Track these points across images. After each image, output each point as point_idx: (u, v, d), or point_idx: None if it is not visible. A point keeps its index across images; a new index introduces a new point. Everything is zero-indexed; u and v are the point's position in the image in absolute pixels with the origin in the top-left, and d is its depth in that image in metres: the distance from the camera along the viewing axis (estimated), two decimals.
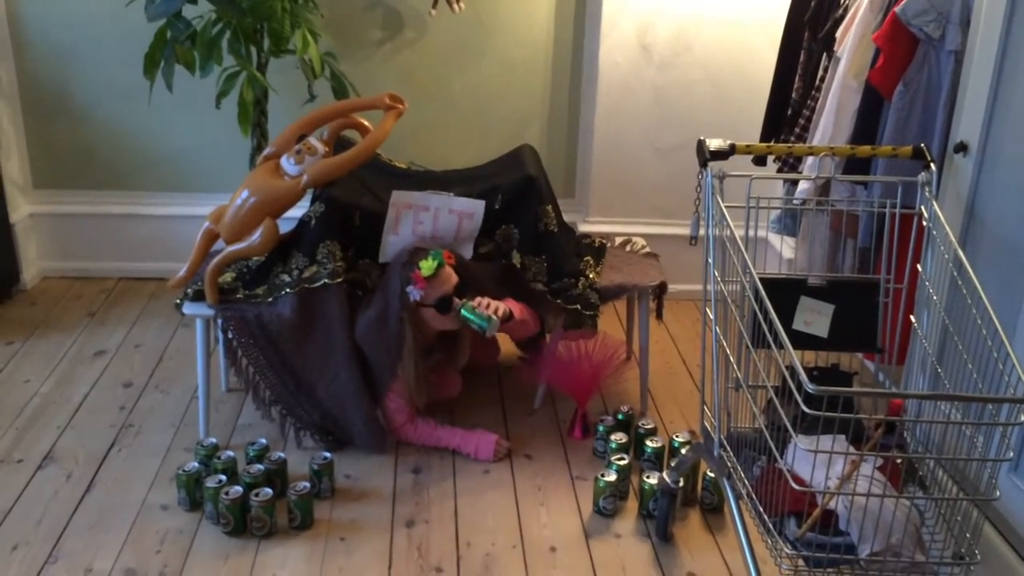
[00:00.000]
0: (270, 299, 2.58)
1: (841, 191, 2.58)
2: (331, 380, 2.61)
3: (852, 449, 1.82)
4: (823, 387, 1.42)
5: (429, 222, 2.64)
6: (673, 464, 2.35)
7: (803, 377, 1.45)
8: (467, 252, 2.69)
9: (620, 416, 2.77)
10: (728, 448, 1.92)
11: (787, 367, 1.62)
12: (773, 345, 1.68)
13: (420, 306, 2.54)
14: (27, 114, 3.65)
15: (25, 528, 2.32)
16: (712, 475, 2.45)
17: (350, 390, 2.59)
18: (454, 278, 2.55)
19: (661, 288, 2.85)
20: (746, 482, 1.81)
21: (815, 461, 1.73)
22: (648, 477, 2.45)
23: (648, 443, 2.61)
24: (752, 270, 1.77)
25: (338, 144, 2.76)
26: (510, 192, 2.69)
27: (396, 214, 2.64)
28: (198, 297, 2.59)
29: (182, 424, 2.79)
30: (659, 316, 2.93)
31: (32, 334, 3.32)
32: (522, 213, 2.69)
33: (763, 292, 1.71)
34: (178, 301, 2.64)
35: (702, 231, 2.00)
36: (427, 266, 2.48)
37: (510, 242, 2.71)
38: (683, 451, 2.55)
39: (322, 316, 2.56)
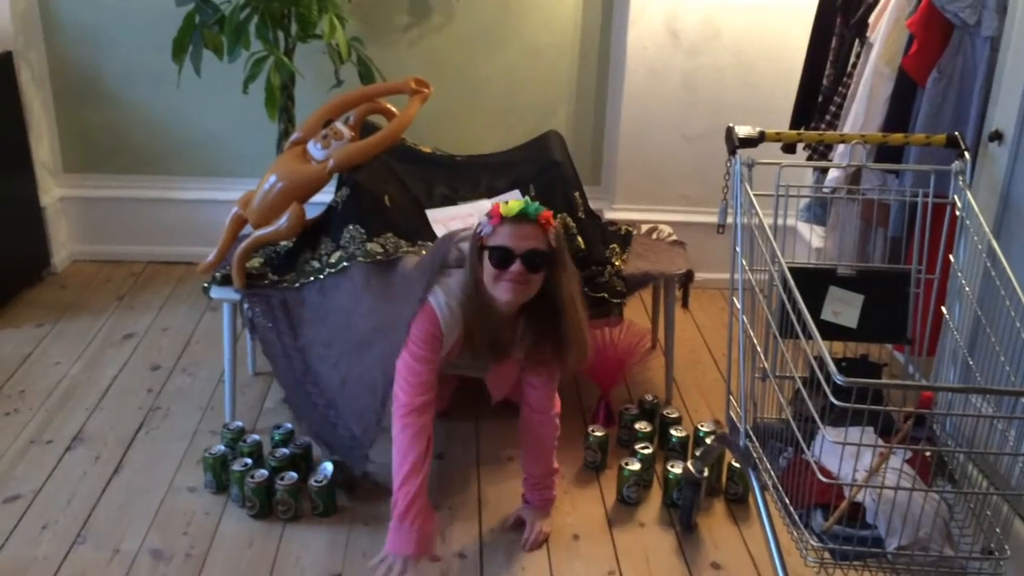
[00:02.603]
0: (297, 284, 2.58)
1: (872, 179, 2.55)
2: (334, 364, 2.47)
3: (881, 441, 1.79)
4: (852, 379, 1.40)
5: None
6: (698, 454, 2.34)
7: (832, 368, 1.43)
8: None
9: (645, 405, 2.76)
10: (754, 439, 1.90)
11: (815, 358, 1.60)
12: (801, 335, 1.66)
13: (480, 247, 2.05)
14: (58, 98, 3.68)
15: (54, 508, 2.35)
16: (737, 465, 2.43)
17: (356, 376, 2.40)
18: (538, 246, 2.02)
19: (687, 276, 2.83)
20: (772, 473, 1.79)
21: (843, 453, 1.71)
22: (673, 466, 2.44)
23: (673, 432, 2.60)
24: (781, 259, 1.75)
25: (364, 129, 2.76)
26: (540, 180, 2.67)
27: (445, 227, 2.59)
28: (226, 281, 2.60)
29: (209, 407, 2.81)
30: (685, 304, 2.90)
31: (62, 317, 3.36)
32: (552, 200, 2.67)
33: (791, 281, 1.69)
34: (206, 285, 2.65)
35: (730, 219, 1.98)
36: (514, 205, 2.03)
37: (568, 229, 2.64)
38: (708, 441, 2.54)
39: (339, 300, 2.55)
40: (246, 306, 2.57)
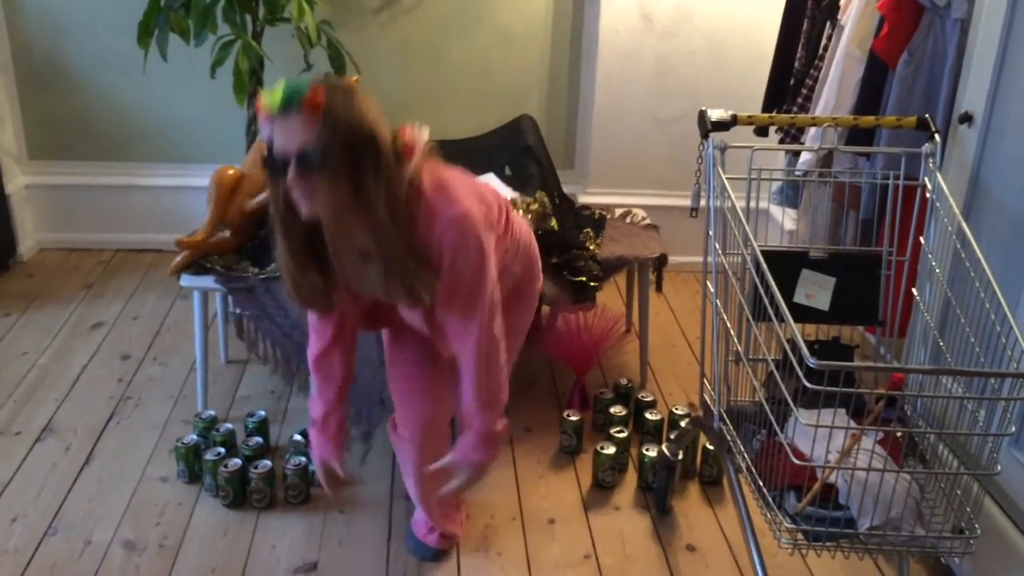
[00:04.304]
0: (279, 274, 2.53)
1: (844, 162, 2.56)
2: None
3: (853, 423, 1.81)
4: (824, 361, 1.41)
5: None
6: (673, 437, 2.35)
7: (804, 351, 1.44)
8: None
9: (620, 389, 2.77)
10: (728, 422, 1.91)
11: (788, 341, 1.61)
12: (774, 318, 1.66)
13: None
14: (21, 84, 3.61)
15: (24, 500, 2.32)
16: (712, 448, 2.45)
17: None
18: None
19: (661, 260, 2.83)
20: (746, 456, 1.80)
21: (815, 435, 1.72)
22: (647, 450, 2.45)
23: (648, 416, 2.61)
24: (753, 242, 1.75)
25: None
26: (514, 164, 2.65)
27: None
28: (196, 269, 2.57)
29: (181, 396, 2.79)
30: (659, 288, 2.91)
31: (29, 306, 3.30)
32: (527, 185, 2.66)
33: (764, 264, 1.69)
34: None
35: (703, 203, 1.98)
36: (275, 92, 1.52)
37: (544, 207, 2.64)
38: (683, 424, 2.55)
39: None
40: (231, 299, 2.54)
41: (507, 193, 2.58)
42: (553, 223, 2.63)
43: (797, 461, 1.65)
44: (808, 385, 1.44)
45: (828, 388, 1.44)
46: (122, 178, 3.74)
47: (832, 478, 1.68)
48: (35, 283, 3.49)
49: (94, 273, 3.60)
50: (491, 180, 2.61)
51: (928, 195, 1.95)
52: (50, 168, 3.73)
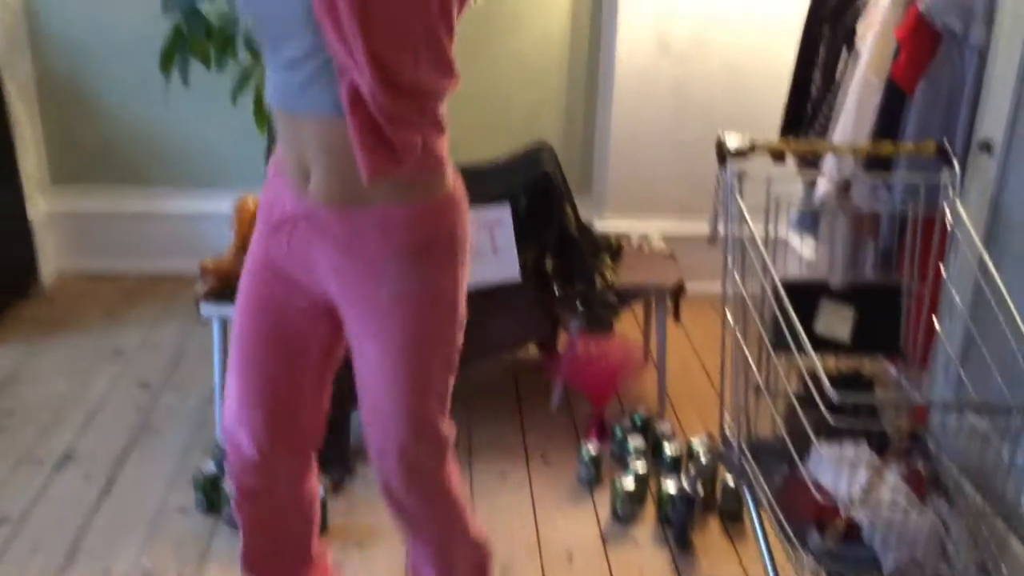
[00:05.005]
0: None
1: (862, 190, 2.54)
2: None
3: (875, 456, 1.78)
4: (847, 397, 1.39)
5: None
6: (692, 471, 2.32)
7: (827, 385, 1.42)
8: (513, 267, 2.55)
9: (637, 419, 2.75)
10: (749, 455, 1.89)
11: (810, 374, 1.60)
12: (795, 350, 1.65)
13: None
14: (44, 109, 3.64)
15: (44, 530, 2.32)
16: (732, 481, 2.42)
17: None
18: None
19: (678, 289, 2.82)
20: (767, 491, 1.78)
21: (838, 470, 1.70)
22: (666, 483, 2.42)
23: (666, 447, 2.58)
24: (773, 271, 1.74)
25: None
26: (531, 192, 2.64)
27: None
28: (217, 297, 2.58)
29: (200, 426, 2.79)
30: (676, 317, 2.89)
31: (50, 333, 3.33)
32: (544, 214, 2.66)
33: (784, 294, 1.68)
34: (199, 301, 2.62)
35: (721, 229, 1.97)
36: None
37: (549, 247, 2.64)
38: (702, 456, 2.52)
39: None
40: None
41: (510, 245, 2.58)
42: (558, 265, 2.64)
43: (821, 499, 1.62)
44: (832, 421, 1.42)
45: (850, 424, 1.42)
46: (143, 204, 3.77)
47: (855, 515, 1.66)
48: (56, 310, 3.52)
49: (114, 300, 3.62)
50: (505, 218, 2.59)
51: (948, 224, 1.93)
52: (72, 194, 3.76)
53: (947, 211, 1.93)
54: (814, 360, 1.55)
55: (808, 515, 1.67)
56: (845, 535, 1.64)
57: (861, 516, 1.64)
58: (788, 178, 3.12)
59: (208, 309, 2.57)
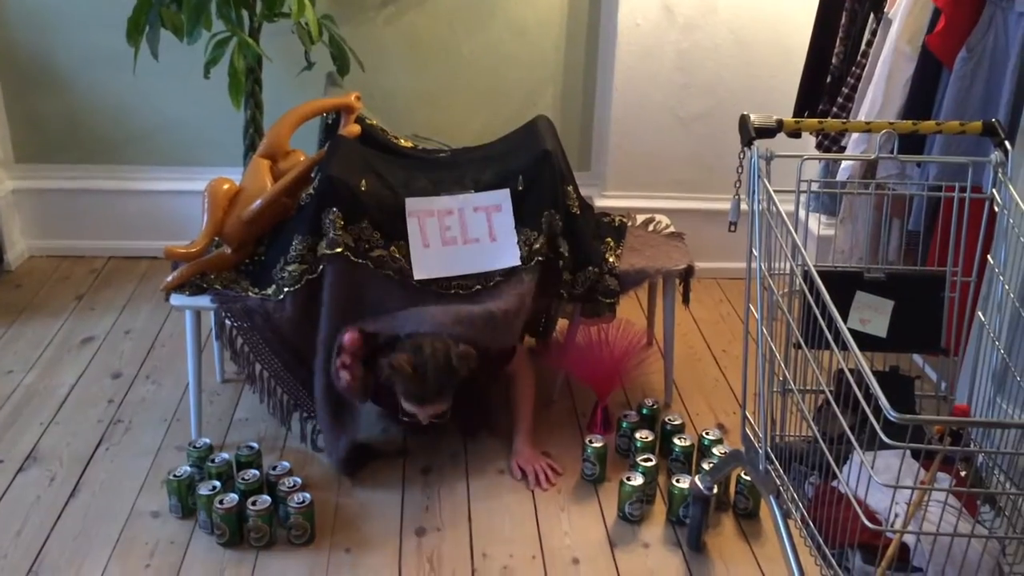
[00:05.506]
0: (280, 297, 2.35)
1: (888, 167, 2.36)
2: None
3: (920, 468, 1.62)
4: (908, 416, 1.21)
5: (457, 226, 2.41)
6: (706, 468, 2.16)
7: (884, 402, 1.24)
8: (513, 255, 2.40)
9: (644, 410, 2.58)
10: (775, 461, 1.72)
11: (851, 371, 1.43)
12: (834, 346, 1.48)
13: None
14: (6, 84, 3.42)
15: (5, 538, 2.14)
16: (747, 477, 2.26)
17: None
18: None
19: (688, 272, 2.64)
20: (800, 503, 1.61)
21: (883, 481, 1.53)
22: (678, 480, 2.26)
23: (676, 441, 2.42)
24: (809, 263, 1.57)
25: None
26: (530, 172, 2.45)
27: (420, 224, 2.39)
28: (192, 289, 2.38)
29: (174, 419, 2.60)
30: (686, 301, 2.72)
31: (16, 319, 3.12)
32: (543, 194, 2.46)
33: (821, 285, 1.51)
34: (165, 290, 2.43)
35: (744, 209, 1.79)
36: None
37: (554, 229, 2.45)
38: (714, 450, 2.36)
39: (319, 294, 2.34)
40: (225, 315, 2.36)
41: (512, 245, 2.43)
42: (562, 249, 2.47)
43: (870, 525, 1.44)
44: (888, 441, 1.25)
45: (910, 445, 1.24)
46: (114, 182, 3.55)
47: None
48: (23, 293, 3.31)
49: (85, 283, 3.41)
50: (504, 203, 2.43)
51: (997, 209, 1.75)
52: (38, 172, 3.54)
53: (996, 195, 1.75)
54: (859, 357, 1.38)
55: (851, 535, 1.50)
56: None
57: (909, 536, 1.47)
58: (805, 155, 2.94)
59: (179, 300, 2.37)
